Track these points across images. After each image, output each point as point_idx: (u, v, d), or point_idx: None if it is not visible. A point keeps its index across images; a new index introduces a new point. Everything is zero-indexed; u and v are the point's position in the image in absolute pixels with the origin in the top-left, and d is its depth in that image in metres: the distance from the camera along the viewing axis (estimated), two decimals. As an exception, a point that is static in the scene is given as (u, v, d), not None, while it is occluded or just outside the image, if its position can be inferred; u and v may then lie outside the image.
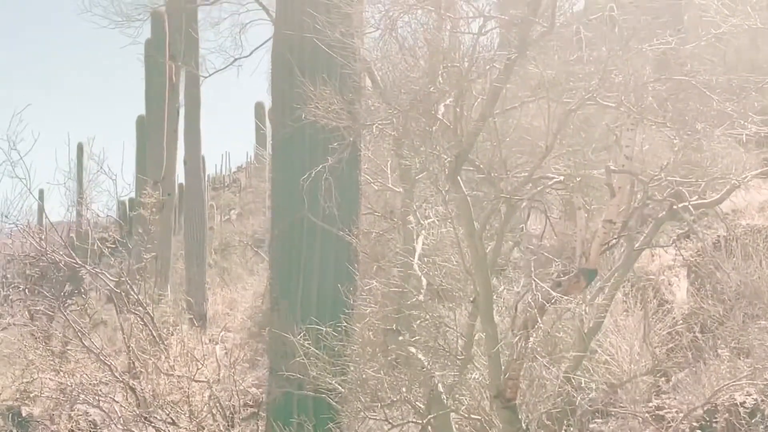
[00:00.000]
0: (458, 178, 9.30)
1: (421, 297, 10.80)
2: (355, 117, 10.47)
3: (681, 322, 14.52)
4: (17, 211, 11.22)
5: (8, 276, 41.29)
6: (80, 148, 44.24)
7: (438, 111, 8.87)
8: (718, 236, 15.41)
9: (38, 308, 13.41)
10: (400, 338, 10.55)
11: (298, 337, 10.13)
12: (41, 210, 10.87)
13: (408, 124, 9.01)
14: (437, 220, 11.10)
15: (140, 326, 11.00)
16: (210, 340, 17.22)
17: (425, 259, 10.90)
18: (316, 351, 9.40)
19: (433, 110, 8.74)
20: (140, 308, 11.10)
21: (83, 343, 10.90)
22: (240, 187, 59.50)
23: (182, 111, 29.83)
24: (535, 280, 8.34)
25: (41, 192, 33.62)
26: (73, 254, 11.34)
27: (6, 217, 11.20)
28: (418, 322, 10.87)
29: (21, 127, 11.18)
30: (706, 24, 9.42)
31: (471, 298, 10.51)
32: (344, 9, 10.66)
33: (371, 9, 10.49)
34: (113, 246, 11.27)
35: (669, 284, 16.46)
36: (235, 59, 12.89)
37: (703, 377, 12.03)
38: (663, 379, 12.89)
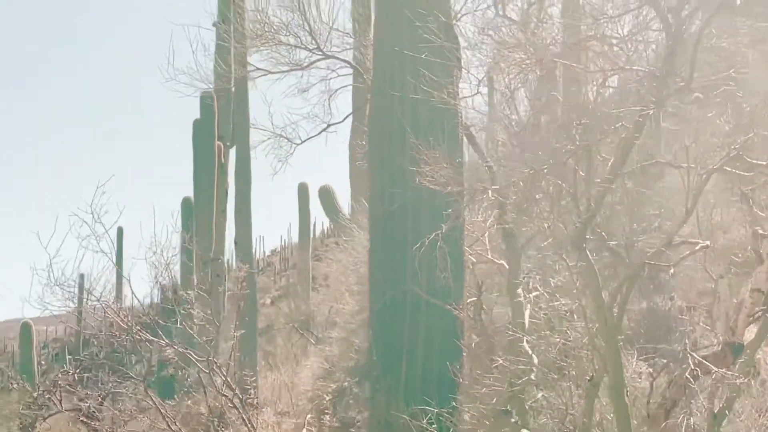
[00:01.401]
0: (584, 245, 8.68)
1: (532, 376, 10.08)
2: (464, 182, 9.92)
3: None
4: (101, 287, 10.61)
5: (43, 362, 40.61)
6: (120, 233, 43.87)
7: (567, 172, 8.29)
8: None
9: (118, 391, 12.70)
10: (513, 420, 9.82)
11: (406, 419, 9.41)
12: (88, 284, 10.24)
13: (534, 186, 8.42)
14: (547, 293, 10.43)
15: (229, 408, 10.31)
16: (271, 425, 16.43)
17: (535, 335, 10.22)
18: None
19: (563, 170, 8.16)
20: (229, 391, 10.41)
21: (171, 428, 10.20)
22: (275, 271, 58.88)
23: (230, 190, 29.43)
24: (691, 354, 7.62)
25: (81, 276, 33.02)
26: (160, 333, 10.70)
27: (90, 293, 10.61)
28: (531, 402, 10.14)
29: (104, 198, 10.64)
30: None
31: (588, 376, 9.79)
32: (444, 71, 10.19)
33: (489, 67, 10.02)
34: (201, 323, 10.62)
35: (766, 362, 15.62)
36: (328, 125, 12.38)
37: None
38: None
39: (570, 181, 8.33)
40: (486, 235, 11.22)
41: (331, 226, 53.70)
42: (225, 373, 10.46)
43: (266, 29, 10.94)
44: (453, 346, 10.32)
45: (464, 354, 10.26)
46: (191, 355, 10.64)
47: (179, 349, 10.71)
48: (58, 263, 10.54)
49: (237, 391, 10.46)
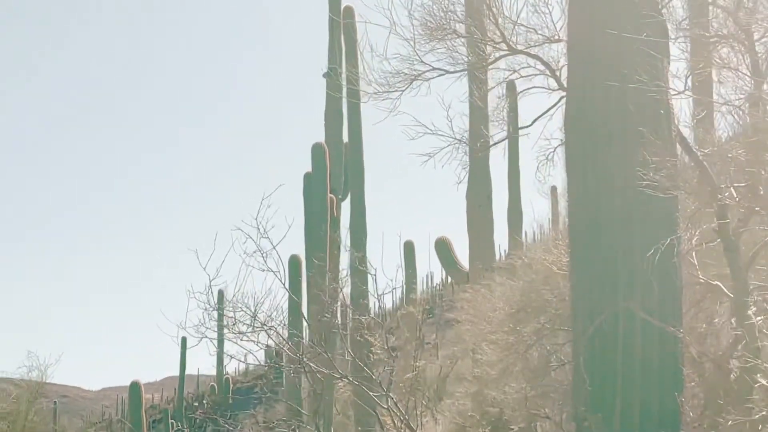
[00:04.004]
0: None
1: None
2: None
3: None
4: (269, 310, 9.52)
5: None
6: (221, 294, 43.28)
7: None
8: None
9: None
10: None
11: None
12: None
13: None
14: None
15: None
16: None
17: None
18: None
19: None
20: (408, 430, 9.17)
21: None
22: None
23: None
24: None
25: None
26: (332, 362, 9.54)
27: (255, 317, 9.52)
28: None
29: (271, 212, 9.62)
30: None
31: None
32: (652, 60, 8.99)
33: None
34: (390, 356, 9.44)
35: None
36: (517, 129, 11.12)
37: None
38: None
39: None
40: (693, 253, 9.90)
41: (446, 279, 52.18)
42: (404, 412, 9.22)
43: (445, 19, 9.88)
44: (674, 375, 8.93)
45: (689, 384, 8.88)
46: (366, 389, 9.45)
47: (354, 383, 9.51)
48: (219, 285, 9.49)
49: None
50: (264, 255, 9.52)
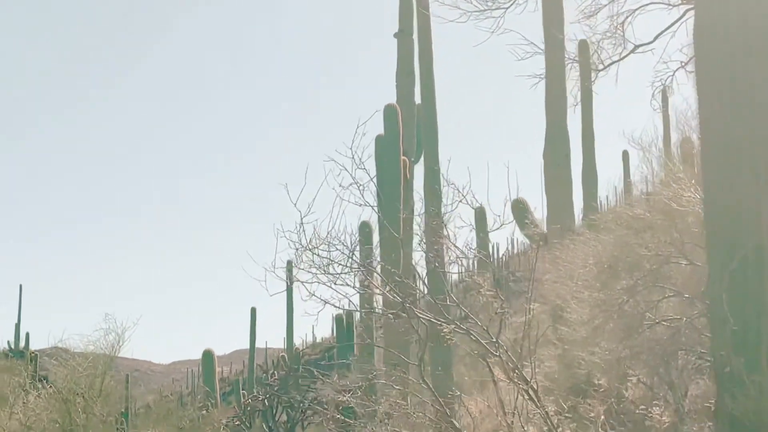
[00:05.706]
0: None
1: None
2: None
3: None
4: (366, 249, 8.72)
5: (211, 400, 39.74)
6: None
7: None
8: None
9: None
10: None
11: None
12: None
13: None
14: None
15: (524, 401, 8.28)
16: None
17: None
18: None
19: None
20: (523, 382, 8.33)
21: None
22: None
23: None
24: None
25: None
26: (439, 306, 8.68)
27: (352, 256, 8.70)
28: None
29: (365, 140, 8.80)
30: None
31: None
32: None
33: None
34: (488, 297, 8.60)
35: None
36: (635, 46, 10.04)
37: None
38: None
39: None
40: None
41: (512, 251, 50.93)
42: (515, 361, 8.38)
43: None
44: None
45: None
46: (475, 336, 8.61)
47: (461, 329, 8.65)
48: (312, 222, 8.66)
49: (533, 383, 8.37)
50: (361, 188, 8.68)
